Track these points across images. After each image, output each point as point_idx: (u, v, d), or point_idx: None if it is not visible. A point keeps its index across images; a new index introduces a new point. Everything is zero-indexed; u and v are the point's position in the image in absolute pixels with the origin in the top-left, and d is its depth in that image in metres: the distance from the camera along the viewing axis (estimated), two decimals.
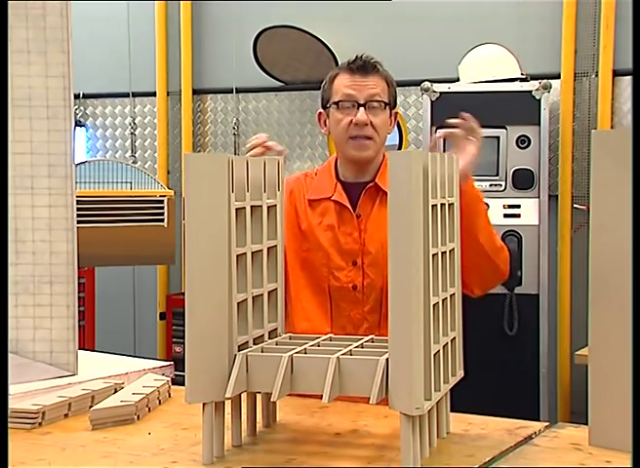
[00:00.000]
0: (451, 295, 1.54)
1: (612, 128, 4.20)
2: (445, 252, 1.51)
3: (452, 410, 1.61)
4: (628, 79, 4.18)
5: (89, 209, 3.63)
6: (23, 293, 2.00)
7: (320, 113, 2.35)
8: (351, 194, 2.28)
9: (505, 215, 4.08)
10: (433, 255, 1.43)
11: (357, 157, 2.26)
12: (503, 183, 4.08)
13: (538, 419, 3.14)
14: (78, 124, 5.29)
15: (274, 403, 1.67)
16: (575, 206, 4.30)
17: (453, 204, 1.57)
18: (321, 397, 1.39)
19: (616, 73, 4.21)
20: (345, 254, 2.24)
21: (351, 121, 2.23)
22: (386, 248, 2.16)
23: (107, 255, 3.83)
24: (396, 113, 2.33)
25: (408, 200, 1.36)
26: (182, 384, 1.50)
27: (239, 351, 1.47)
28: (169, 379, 1.94)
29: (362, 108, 2.24)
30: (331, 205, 2.29)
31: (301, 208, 2.30)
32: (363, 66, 2.30)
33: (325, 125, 2.33)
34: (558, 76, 4.29)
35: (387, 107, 2.27)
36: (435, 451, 1.48)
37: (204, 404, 1.46)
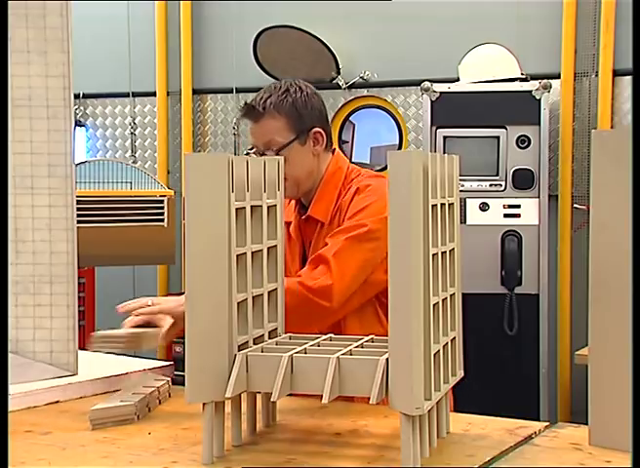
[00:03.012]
0: (451, 295, 1.54)
1: (612, 128, 4.20)
2: (445, 252, 1.51)
3: (452, 410, 1.61)
4: (628, 79, 4.18)
5: (89, 209, 3.63)
6: (23, 293, 2.00)
7: None
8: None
9: (505, 215, 4.08)
10: (433, 255, 1.43)
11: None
12: (503, 183, 4.08)
13: (538, 419, 3.14)
14: (78, 124, 5.29)
15: (274, 403, 1.67)
16: (575, 206, 4.30)
17: (453, 204, 1.57)
18: (321, 397, 1.39)
19: (616, 73, 4.21)
20: None
21: None
22: None
23: (107, 255, 3.83)
24: (316, 132, 2.23)
25: (408, 200, 1.36)
26: (182, 384, 1.50)
27: (239, 351, 1.47)
28: (169, 379, 1.94)
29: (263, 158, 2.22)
30: None
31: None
32: (250, 113, 2.21)
33: None
34: (558, 76, 4.29)
35: (290, 144, 2.19)
36: (435, 451, 1.48)
37: (204, 404, 1.46)
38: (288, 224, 2.30)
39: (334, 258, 2.06)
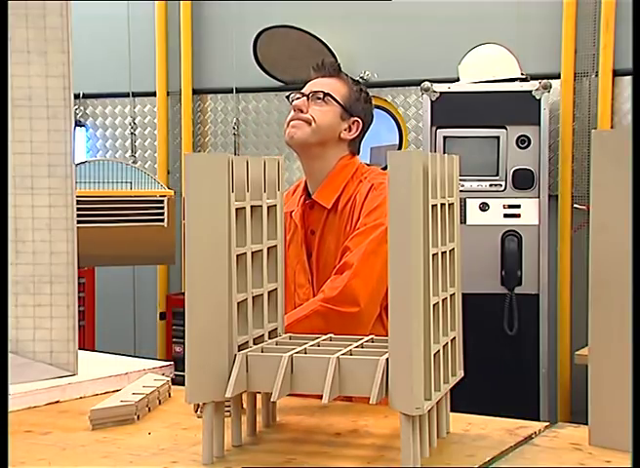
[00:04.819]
0: (451, 295, 1.54)
1: (612, 128, 4.20)
2: (445, 252, 1.51)
3: (452, 410, 1.61)
4: (628, 79, 4.18)
5: (89, 209, 3.63)
6: (23, 293, 2.00)
7: None
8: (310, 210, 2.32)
9: (505, 215, 4.08)
10: (433, 255, 1.43)
11: (289, 142, 2.31)
12: (503, 183, 4.08)
13: (538, 419, 3.14)
14: (78, 124, 5.29)
15: (274, 403, 1.67)
16: (575, 206, 4.30)
17: (453, 204, 1.57)
18: (321, 397, 1.39)
19: (616, 73, 4.21)
20: (304, 272, 2.27)
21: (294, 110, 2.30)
22: (330, 268, 2.14)
23: (107, 255, 3.83)
24: (357, 121, 2.31)
25: (408, 200, 1.36)
26: (182, 384, 1.50)
27: (239, 351, 1.47)
28: (169, 379, 1.93)
29: (304, 97, 2.29)
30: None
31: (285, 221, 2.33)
32: (320, 67, 2.34)
33: None
34: (558, 76, 4.29)
35: (336, 104, 2.29)
36: (435, 451, 1.48)
37: (204, 404, 1.46)
38: (290, 213, 2.30)
39: (359, 263, 2.09)
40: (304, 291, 2.24)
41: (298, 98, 2.31)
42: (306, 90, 2.32)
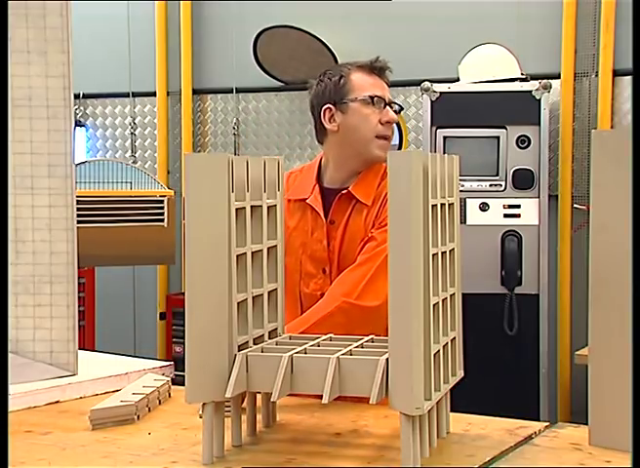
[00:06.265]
0: (451, 295, 1.54)
1: (612, 128, 4.20)
2: (445, 252, 1.51)
3: (452, 410, 1.61)
4: (628, 79, 4.18)
5: (89, 209, 3.63)
6: (23, 293, 2.00)
7: (328, 108, 2.25)
8: (327, 199, 2.24)
9: (505, 215, 4.08)
10: (433, 255, 1.43)
11: (378, 157, 2.23)
12: (503, 183, 4.08)
13: (538, 419, 3.14)
14: (78, 124, 5.29)
15: (274, 403, 1.67)
16: (575, 206, 4.30)
17: (453, 204, 1.57)
18: (321, 397, 1.39)
19: (616, 73, 4.21)
20: (316, 261, 2.21)
21: (379, 119, 2.25)
22: (351, 258, 2.11)
23: (107, 255, 3.83)
24: None
25: (408, 200, 1.36)
26: (182, 384, 1.50)
27: (239, 351, 1.47)
28: (169, 379, 1.93)
29: (389, 107, 2.27)
30: (307, 208, 2.25)
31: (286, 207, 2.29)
32: (383, 69, 2.33)
33: (332, 121, 2.25)
34: (558, 76, 4.29)
35: None
36: (435, 451, 1.48)
37: (204, 404, 1.46)
38: (304, 200, 2.25)
39: (382, 254, 2.05)
40: (317, 280, 2.21)
41: (391, 108, 2.28)
42: (383, 94, 2.29)
